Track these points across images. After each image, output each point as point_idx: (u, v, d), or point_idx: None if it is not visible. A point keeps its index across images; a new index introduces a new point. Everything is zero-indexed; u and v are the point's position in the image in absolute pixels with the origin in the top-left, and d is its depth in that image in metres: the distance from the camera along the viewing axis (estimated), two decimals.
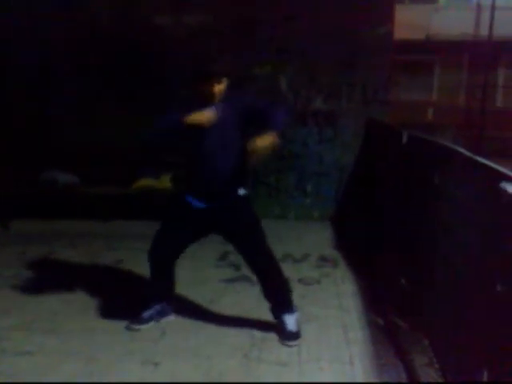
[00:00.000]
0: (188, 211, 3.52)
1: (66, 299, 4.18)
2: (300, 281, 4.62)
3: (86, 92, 6.57)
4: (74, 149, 6.48)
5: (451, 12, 13.42)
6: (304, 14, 6.38)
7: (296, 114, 6.61)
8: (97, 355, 3.35)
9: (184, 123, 3.22)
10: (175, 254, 3.69)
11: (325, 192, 6.69)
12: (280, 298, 3.67)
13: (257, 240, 3.59)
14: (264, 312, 3.74)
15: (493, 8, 12.50)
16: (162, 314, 3.81)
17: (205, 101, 3.32)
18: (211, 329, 3.71)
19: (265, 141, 3.15)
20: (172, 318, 3.84)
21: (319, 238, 5.94)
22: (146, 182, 6.45)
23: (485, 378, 2.34)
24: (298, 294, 4.34)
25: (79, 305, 4.09)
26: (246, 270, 4.78)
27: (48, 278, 4.68)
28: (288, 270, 4.79)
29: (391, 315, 3.80)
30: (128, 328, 3.71)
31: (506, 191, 2.15)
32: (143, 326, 3.72)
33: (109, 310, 3.97)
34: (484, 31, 12.79)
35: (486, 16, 12.79)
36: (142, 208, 6.17)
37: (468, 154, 2.80)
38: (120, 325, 3.74)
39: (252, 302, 4.12)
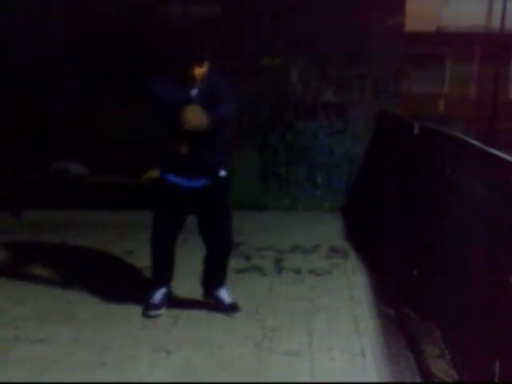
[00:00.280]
0: (171, 190, 3.64)
1: (78, 288, 4.22)
2: (310, 272, 4.63)
3: (95, 85, 6.56)
4: (83, 139, 6.51)
5: (462, 3, 13.29)
6: (315, 5, 6.35)
7: (306, 106, 6.61)
8: (110, 343, 3.38)
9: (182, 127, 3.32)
10: (173, 234, 3.81)
11: (335, 183, 6.69)
12: (222, 274, 3.87)
13: (226, 222, 3.79)
14: (275, 302, 3.76)
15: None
16: (167, 296, 3.91)
17: (186, 82, 3.45)
18: (223, 318, 3.73)
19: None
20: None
21: (329, 229, 5.95)
22: (156, 173, 6.45)
23: (497, 369, 2.35)
24: (308, 284, 4.38)
25: (92, 294, 4.12)
26: (256, 261, 4.83)
27: (61, 267, 4.71)
28: (298, 261, 4.86)
29: (402, 306, 3.81)
30: (146, 316, 3.76)
31: None
32: (161, 311, 3.79)
33: (121, 299, 4.00)
34: (496, 23, 12.68)
35: (497, 7, 12.69)
36: (151, 199, 6.18)
37: (479, 145, 2.79)
38: (132, 313, 3.78)
39: (263, 292, 4.14)
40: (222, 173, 3.68)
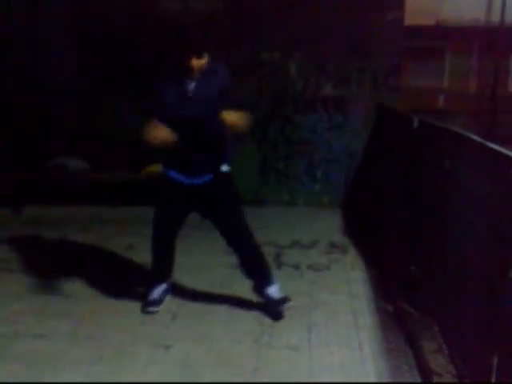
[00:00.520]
0: (174, 188, 3.62)
1: (77, 284, 4.22)
2: (309, 267, 4.63)
3: (95, 80, 6.53)
4: (83, 135, 6.50)
5: None
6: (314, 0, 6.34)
7: (305, 100, 6.60)
8: (108, 338, 3.39)
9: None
10: (173, 232, 3.79)
11: (334, 178, 6.68)
12: (261, 272, 3.76)
13: (238, 218, 3.69)
14: None
15: None
16: (167, 292, 3.90)
17: (185, 74, 3.42)
18: (221, 314, 3.74)
19: (238, 117, 3.35)
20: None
21: (328, 225, 5.94)
22: (155, 167, 6.46)
23: (494, 364, 2.36)
24: (307, 279, 4.38)
25: (91, 289, 4.13)
26: None
27: (60, 262, 4.71)
28: (297, 256, 4.85)
29: (401, 302, 3.81)
30: (145, 311, 3.76)
31: None
32: (159, 308, 3.78)
33: (120, 294, 4.01)
34: (495, 17, 12.66)
35: (497, 1, 12.67)
36: (151, 194, 6.18)
37: (479, 139, 2.79)
38: (131, 309, 3.78)
39: None
40: (224, 168, 3.63)
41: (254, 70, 6.43)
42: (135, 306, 3.81)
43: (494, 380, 2.38)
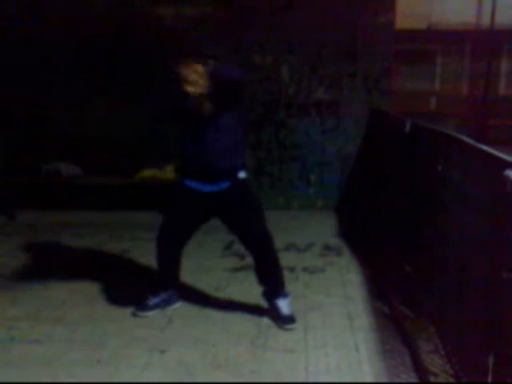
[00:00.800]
0: (190, 196, 3.56)
1: (72, 288, 4.22)
2: (304, 270, 4.65)
3: (87, 84, 6.52)
4: (76, 140, 6.50)
5: (452, 1, 13.35)
6: (305, 3, 6.37)
7: (298, 104, 6.63)
8: (104, 343, 3.38)
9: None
10: (181, 240, 3.74)
11: (328, 181, 6.71)
12: (274, 281, 3.72)
13: (257, 223, 3.63)
14: None
15: None
16: (167, 302, 3.84)
17: None
18: (217, 316, 3.74)
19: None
20: (178, 306, 3.87)
21: (323, 227, 5.96)
22: (149, 172, 6.47)
23: (490, 364, 2.37)
24: (302, 282, 4.39)
25: (86, 294, 4.12)
26: (250, 260, 4.81)
27: (54, 267, 4.70)
28: (292, 259, 4.87)
29: (396, 303, 3.82)
30: (134, 315, 3.75)
31: (510, 179, 2.17)
32: (149, 313, 3.76)
33: (115, 299, 4.01)
34: (486, 19, 12.74)
35: (487, 4, 12.74)
36: (145, 198, 6.20)
37: (471, 141, 2.81)
38: (126, 313, 3.78)
39: (257, 290, 4.11)
40: (242, 174, 3.57)
41: (247, 74, 6.45)
42: (131, 310, 3.80)
43: (490, 380, 2.39)
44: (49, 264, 4.79)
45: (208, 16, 6.39)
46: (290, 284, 4.29)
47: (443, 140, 3.27)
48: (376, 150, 5.83)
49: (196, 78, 3.24)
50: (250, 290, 4.14)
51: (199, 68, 3.24)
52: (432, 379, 2.91)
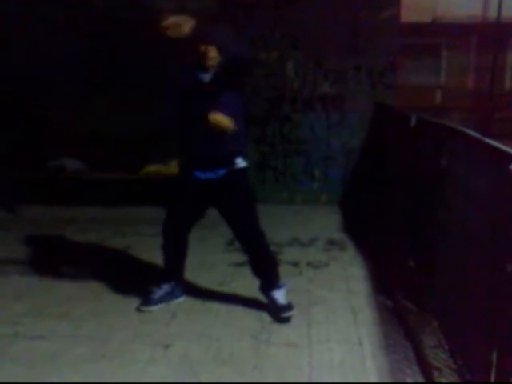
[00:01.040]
0: (188, 184, 3.58)
1: (76, 284, 4.23)
2: (308, 264, 4.64)
3: (91, 80, 6.53)
4: (81, 135, 6.51)
5: None
6: None
7: (303, 98, 6.61)
8: (108, 338, 3.39)
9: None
10: (184, 229, 3.75)
11: (332, 176, 6.69)
12: (269, 273, 3.73)
13: (249, 216, 3.64)
14: None
15: None
16: (171, 295, 3.85)
17: (200, 65, 3.38)
18: (221, 311, 3.74)
19: (221, 120, 3.28)
20: (181, 300, 3.88)
21: (327, 222, 5.95)
22: (154, 167, 6.47)
23: (494, 359, 2.36)
24: (306, 277, 4.39)
25: (90, 289, 4.13)
26: None
27: (59, 263, 4.71)
28: (296, 254, 4.86)
29: (400, 297, 3.82)
30: (139, 309, 3.76)
31: None
32: (153, 308, 3.77)
33: (119, 294, 4.02)
34: (492, 12, 12.67)
35: None
36: (150, 193, 6.20)
37: (476, 135, 2.79)
38: (130, 308, 3.78)
39: None
40: (240, 162, 3.55)
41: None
42: (135, 305, 3.81)
43: (493, 375, 2.38)
44: (53, 259, 4.80)
45: (211, 11, 6.37)
46: (294, 279, 4.30)
47: (448, 134, 3.26)
48: (381, 144, 5.81)
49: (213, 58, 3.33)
50: (254, 285, 4.12)
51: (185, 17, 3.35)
52: (435, 374, 2.91)
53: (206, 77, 3.40)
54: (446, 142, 3.26)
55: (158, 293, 3.82)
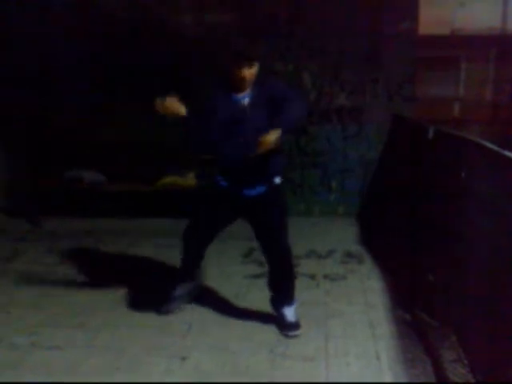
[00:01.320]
0: (224, 197, 3.55)
1: (94, 295, 4.24)
2: (325, 277, 4.61)
3: (109, 91, 6.56)
4: (98, 146, 6.53)
5: (477, 6, 13.21)
6: (327, 10, 6.34)
7: (319, 110, 6.60)
8: (124, 349, 3.38)
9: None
10: (207, 238, 3.76)
11: (349, 188, 6.66)
12: (285, 289, 3.70)
13: (282, 230, 3.61)
14: None
15: None
16: (188, 294, 3.92)
17: (236, 85, 3.33)
18: (237, 324, 3.72)
19: (270, 136, 3.18)
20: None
21: (344, 234, 5.92)
22: (170, 179, 6.48)
23: None
24: (323, 289, 4.35)
25: (107, 300, 4.13)
26: None
27: (76, 274, 4.73)
28: (313, 266, 4.83)
29: (418, 311, 3.77)
30: (159, 312, 3.82)
31: None
32: (173, 307, 3.83)
33: (136, 305, 4.01)
34: (511, 24, 12.60)
35: None
36: (166, 205, 6.22)
37: (495, 148, 2.76)
38: (147, 320, 3.78)
39: None
40: (277, 180, 3.54)
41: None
42: (151, 317, 3.81)
43: None
44: (70, 270, 4.82)
45: (228, 24, 6.40)
46: (311, 291, 4.28)
47: (466, 146, 3.22)
48: (398, 156, 5.77)
49: (250, 80, 3.31)
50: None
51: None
52: None
53: (245, 99, 3.36)
54: (465, 155, 3.22)
55: (176, 292, 3.87)
